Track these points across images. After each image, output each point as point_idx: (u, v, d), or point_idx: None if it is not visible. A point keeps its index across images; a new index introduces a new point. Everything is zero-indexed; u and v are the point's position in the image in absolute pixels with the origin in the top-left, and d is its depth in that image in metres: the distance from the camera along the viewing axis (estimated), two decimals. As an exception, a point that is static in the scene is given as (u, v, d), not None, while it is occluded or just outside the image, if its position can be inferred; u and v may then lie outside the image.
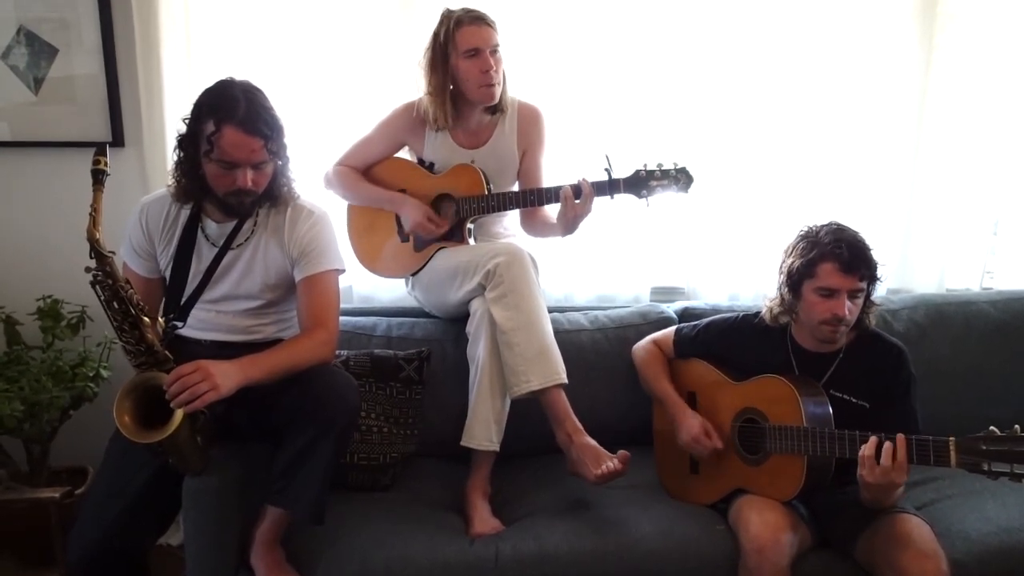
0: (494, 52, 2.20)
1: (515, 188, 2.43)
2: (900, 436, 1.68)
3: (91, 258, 1.65)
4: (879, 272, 1.91)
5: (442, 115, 2.25)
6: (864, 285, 1.88)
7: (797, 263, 1.91)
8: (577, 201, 2.16)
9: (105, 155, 1.69)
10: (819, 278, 1.87)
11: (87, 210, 2.48)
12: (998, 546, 1.93)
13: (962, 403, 2.38)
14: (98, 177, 1.68)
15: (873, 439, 1.69)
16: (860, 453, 1.70)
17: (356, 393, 1.89)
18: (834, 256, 1.85)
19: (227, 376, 1.67)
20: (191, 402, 1.63)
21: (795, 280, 1.93)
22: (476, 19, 2.19)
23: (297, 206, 1.95)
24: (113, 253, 1.67)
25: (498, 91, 2.24)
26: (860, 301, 1.90)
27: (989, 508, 2.05)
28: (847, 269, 1.85)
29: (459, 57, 2.19)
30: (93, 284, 1.66)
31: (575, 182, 2.18)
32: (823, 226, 1.93)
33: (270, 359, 1.79)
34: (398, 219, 2.39)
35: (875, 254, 1.90)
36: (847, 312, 1.86)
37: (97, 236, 1.63)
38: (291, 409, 1.80)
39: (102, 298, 1.67)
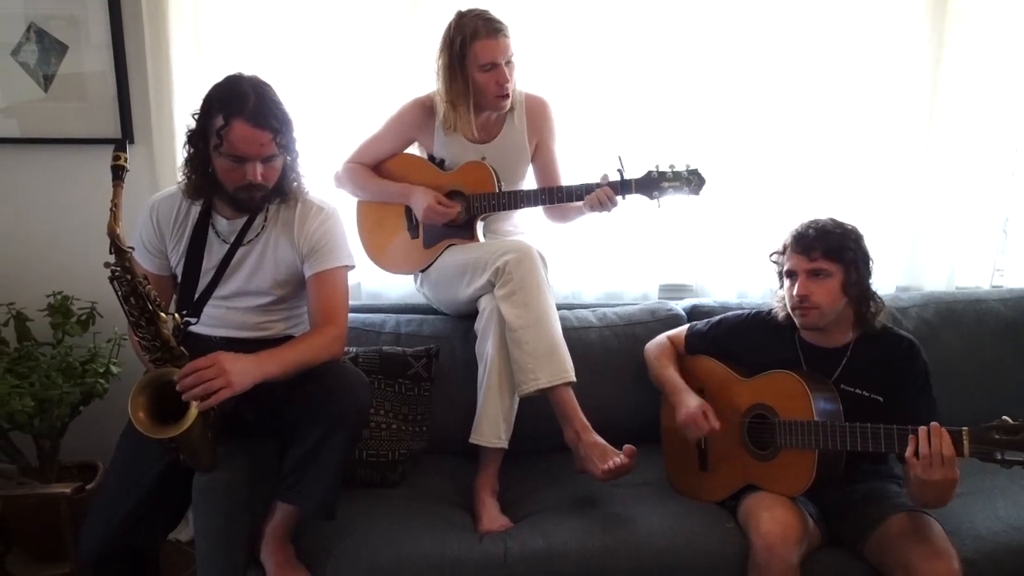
0: (509, 62, 2.20)
1: (528, 181, 2.43)
2: (934, 425, 1.66)
3: (110, 253, 1.64)
4: (850, 254, 1.90)
5: (465, 123, 2.25)
6: (824, 265, 1.90)
7: (775, 255, 2.03)
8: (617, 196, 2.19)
9: (125, 151, 1.69)
10: (785, 264, 1.97)
11: (96, 207, 2.49)
12: (1008, 544, 1.94)
13: (973, 401, 2.37)
14: (118, 173, 1.67)
15: (911, 441, 1.69)
16: (907, 456, 1.69)
17: (368, 390, 1.90)
18: (790, 240, 1.95)
19: (244, 373, 1.66)
20: (205, 398, 1.62)
21: (780, 273, 2.03)
22: (493, 31, 2.15)
23: (307, 202, 1.95)
24: (132, 248, 1.67)
25: (511, 99, 2.25)
26: (829, 284, 1.90)
27: (1000, 506, 2.05)
28: (798, 248, 1.93)
29: (475, 69, 2.18)
30: (111, 279, 1.65)
31: (600, 181, 2.20)
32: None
33: (286, 355, 1.79)
34: (407, 215, 2.39)
35: (846, 238, 1.91)
36: (803, 291, 1.89)
37: (117, 231, 1.63)
38: (302, 405, 1.80)
39: (119, 293, 1.66)
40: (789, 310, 1.98)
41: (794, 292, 1.92)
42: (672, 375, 2.16)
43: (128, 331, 1.96)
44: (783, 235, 2.03)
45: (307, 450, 1.79)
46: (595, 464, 1.97)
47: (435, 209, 2.26)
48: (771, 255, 2.04)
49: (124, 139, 1.77)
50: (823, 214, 1.99)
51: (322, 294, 1.92)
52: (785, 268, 1.98)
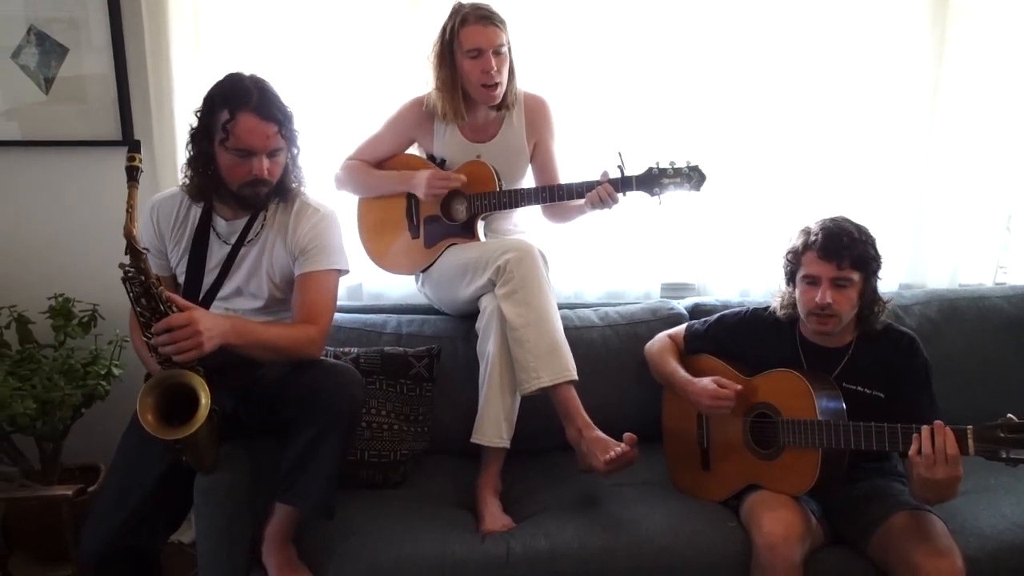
0: (498, 53, 2.19)
1: (527, 181, 2.43)
2: (938, 424, 1.66)
3: (125, 254, 1.63)
4: (874, 264, 1.90)
5: (451, 110, 2.25)
6: (849, 274, 1.87)
7: (789, 253, 1.97)
8: (618, 193, 2.18)
9: (139, 152, 1.68)
10: (804, 266, 1.92)
11: (97, 209, 2.53)
12: (1012, 542, 1.94)
13: (976, 398, 2.36)
14: (132, 174, 1.66)
15: (915, 440, 1.68)
16: (910, 455, 1.69)
17: (360, 387, 1.89)
18: (812, 244, 1.89)
19: (211, 338, 1.66)
20: (178, 355, 1.63)
21: (789, 272, 1.98)
22: (482, 18, 2.17)
23: (304, 204, 1.95)
24: (147, 250, 1.66)
25: (500, 92, 2.23)
26: (850, 292, 1.89)
27: (1003, 504, 2.05)
28: (824, 256, 1.87)
29: (462, 56, 2.18)
30: (124, 280, 1.64)
31: (600, 178, 2.20)
32: (823, 218, 1.95)
33: (256, 330, 1.78)
34: (408, 215, 2.39)
35: (869, 245, 1.90)
36: (827, 299, 1.86)
37: (134, 232, 1.62)
38: (296, 405, 1.80)
39: (131, 294, 1.65)
40: (803, 314, 1.95)
41: (816, 299, 1.87)
42: (677, 369, 2.14)
43: (131, 333, 1.98)
44: (789, 233, 2.01)
45: (302, 450, 1.79)
46: (597, 458, 1.97)
47: (437, 175, 2.25)
48: (787, 254, 1.98)
49: (138, 140, 1.76)
50: (832, 212, 1.97)
51: (307, 294, 1.90)
52: (804, 272, 1.92)
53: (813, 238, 1.90)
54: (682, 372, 2.11)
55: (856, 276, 1.88)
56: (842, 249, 1.86)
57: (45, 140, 2.53)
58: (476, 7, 2.18)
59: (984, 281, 2.82)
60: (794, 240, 1.97)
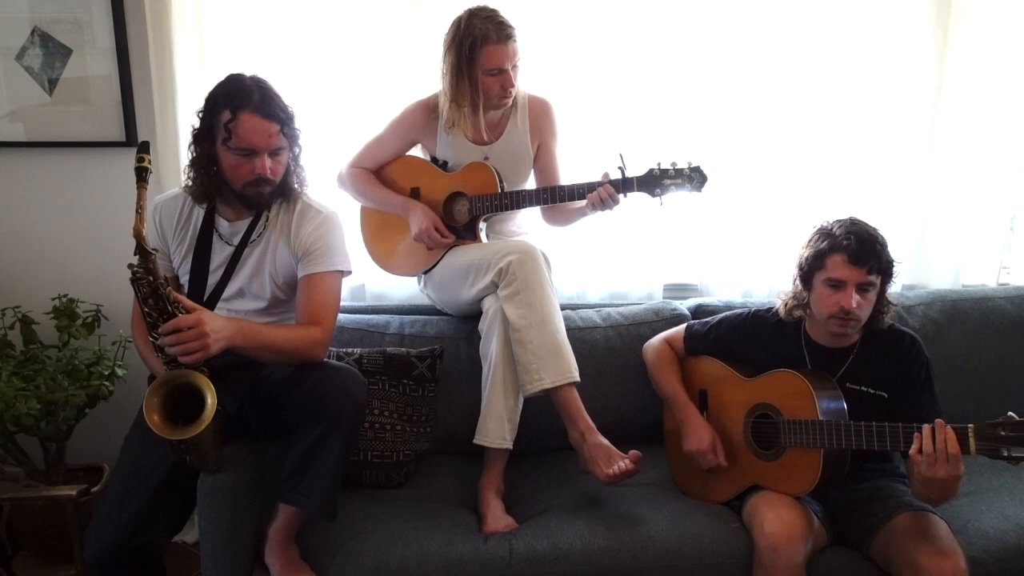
0: (515, 66, 2.20)
1: (530, 183, 2.43)
2: (939, 422, 1.66)
3: (134, 254, 1.64)
4: (893, 270, 1.91)
5: (467, 123, 2.24)
6: (874, 279, 1.87)
7: (809, 254, 1.93)
8: (619, 194, 2.18)
9: (148, 153, 1.69)
10: (828, 269, 1.89)
11: (101, 210, 2.54)
12: (1015, 543, 1.93)
13: (979, 399, 2.37)
14: (142, 175, 1.67)
15: (916, 439, 1.68)
16: (911, 453, 1.69)
17: (363, 388, 1.90)
18: (843, 247, 1.86)
19: (218, 340, 1.67)
20: (185, 356, 1.64)
21: (807, 272, 1.95)
22: (504, 38, 2.14)
23: (306, 205, 1.96)
24: (156, 251, 1.67)
25: (512, 96, 2.25)
26: (871, 296, 1.89)
27: (1007, 505, 2.05)
28: (855, 261, 1.85)
29: (483, 73, 2.17)
30: (132, 280, 1.65)
31: (600, 179, 2.19)
32: (839, 220, 1.93)
33: (262, 332, 1.79)
34: (411, 217, 2.40)
35: (890, 251, 1.90)
36: (854, 304, 1.85)
37: (143, 233, 1.63)
38: (299, 407, 1.80)
39: (139, 295, 1.66)
40: (821, 317, 1.92)
41: (842, 303, 1.85)
42: (676, 389, 2.14)
43: (133, 334, 1.99)
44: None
45: (305, 451, 1.80)
46: (600, 467, 1.97)
47: (430, 234, 2.27)
48: (807, 257, 1.93)
49: (147, 141, 1.76)
50: (833, 212, 1.97)
51: (311, 296, 1.91)
52: (827, 276, 1.88)
53: (845, 242, 1.86)
54: (683, 395, 2.12)
55: (878, 280, 1.88)
56: (872, 255, 1.85)
57: (49, 141, 2.54)
58: (495, 22, 2.15)
59: (987, 282, 2.82)
60: (815, 242, 1.92)
